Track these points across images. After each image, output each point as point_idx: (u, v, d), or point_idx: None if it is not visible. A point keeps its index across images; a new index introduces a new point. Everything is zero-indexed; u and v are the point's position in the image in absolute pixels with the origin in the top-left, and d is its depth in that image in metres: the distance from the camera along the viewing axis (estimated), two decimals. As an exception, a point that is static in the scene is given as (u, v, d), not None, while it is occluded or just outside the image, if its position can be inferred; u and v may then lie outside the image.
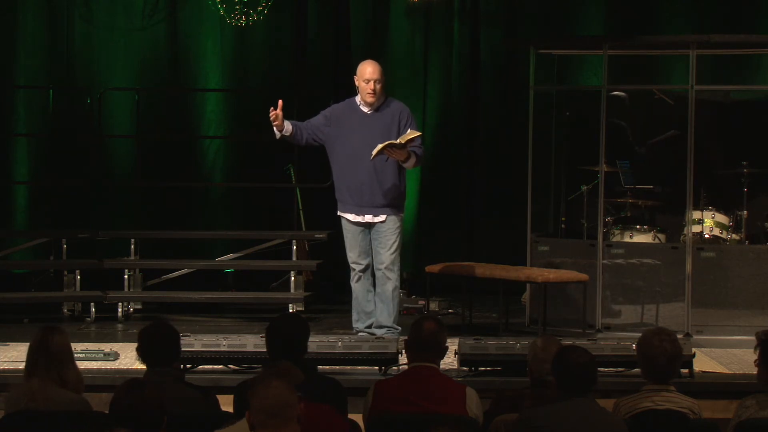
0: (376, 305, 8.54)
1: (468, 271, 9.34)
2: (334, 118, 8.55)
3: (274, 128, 8.42)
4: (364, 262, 8.53)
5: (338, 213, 8.63)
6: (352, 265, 8.55)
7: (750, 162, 9.93)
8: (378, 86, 8.41)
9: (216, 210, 12.11)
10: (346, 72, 12.18)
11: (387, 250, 8.45)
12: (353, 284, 8.60)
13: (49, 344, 5.26)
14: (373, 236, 8.50)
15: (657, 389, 5.31)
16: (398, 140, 8.24)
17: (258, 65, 12.22)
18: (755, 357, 5.45)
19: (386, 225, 8.45)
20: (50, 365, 5.23)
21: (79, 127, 11.66)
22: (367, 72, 8.45)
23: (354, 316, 8.66)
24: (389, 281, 8.49)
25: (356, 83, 8.55)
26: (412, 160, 8.34)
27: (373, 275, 8.57)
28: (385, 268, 8.46)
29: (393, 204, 8.47)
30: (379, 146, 8.18)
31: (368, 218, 8.46)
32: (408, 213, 12.04)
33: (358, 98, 8.55)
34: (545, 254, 9.74)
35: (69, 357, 5.33)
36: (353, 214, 8.49)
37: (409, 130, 8.34)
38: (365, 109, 8.50)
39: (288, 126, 8.44)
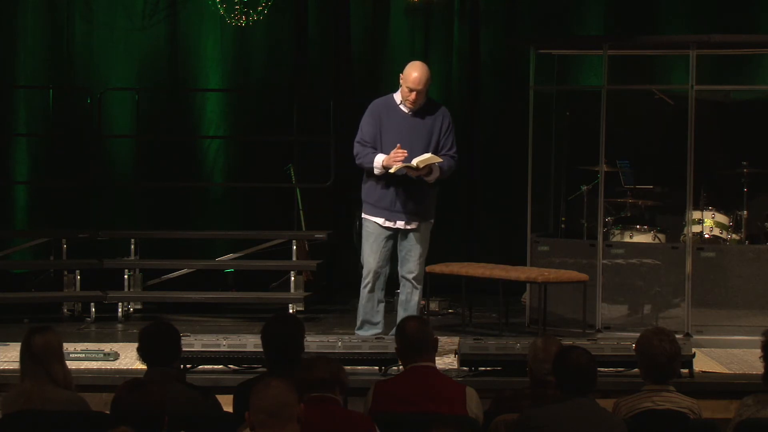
0: (398, 314, 8.13)
1: (468, 271, 9.32)
2: (377, 117, 8.02)
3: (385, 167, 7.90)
4: (383, 270, 8.09)
5: (364, 215, 8.12)
6: (370, 272, 8.06)
7: (750, 162, 9.93)
8: (420, 97, 7.90)
9: (216, 210, 12.10)
10: (347, 72, 12.25)
11: (418, 259, 8.07)
12: (365, 292, 8.10)
13: (31, 345, 5.25)
14: (401, 244, 8.09)
15: (657, 389, 5.32)
16: (416, 164, 7.80)
17: (258, 65, 12.22)
18: (761, 355, 5.46)
19: (418, 233, 8.05)
20: (36, 365, 5.22)
21: (79, 127, 11.66)
22: (412, 79, 7.89)
23: (358, 323, 8.17)
24: (416, 291, 8.12)
25: (401, 81, 7.96)
26: (435, 174, 7.94)
27: (386, 285, 8.16)
28: (414, 278, 8.09)
29: (426, 211, 8.09)
30: (400, 165, 7.78)
31: (400, 224, 8.02)
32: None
33: (398, 96, 8.05)
34: (545, 254, 9.74)
35: (52, 355, 5.28)
36: (383, 219, 8.02)
37: (430, 155, 7.86)
38: (405, 110, 8.00)
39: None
